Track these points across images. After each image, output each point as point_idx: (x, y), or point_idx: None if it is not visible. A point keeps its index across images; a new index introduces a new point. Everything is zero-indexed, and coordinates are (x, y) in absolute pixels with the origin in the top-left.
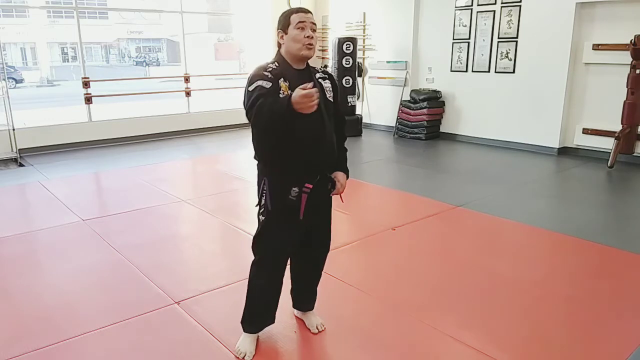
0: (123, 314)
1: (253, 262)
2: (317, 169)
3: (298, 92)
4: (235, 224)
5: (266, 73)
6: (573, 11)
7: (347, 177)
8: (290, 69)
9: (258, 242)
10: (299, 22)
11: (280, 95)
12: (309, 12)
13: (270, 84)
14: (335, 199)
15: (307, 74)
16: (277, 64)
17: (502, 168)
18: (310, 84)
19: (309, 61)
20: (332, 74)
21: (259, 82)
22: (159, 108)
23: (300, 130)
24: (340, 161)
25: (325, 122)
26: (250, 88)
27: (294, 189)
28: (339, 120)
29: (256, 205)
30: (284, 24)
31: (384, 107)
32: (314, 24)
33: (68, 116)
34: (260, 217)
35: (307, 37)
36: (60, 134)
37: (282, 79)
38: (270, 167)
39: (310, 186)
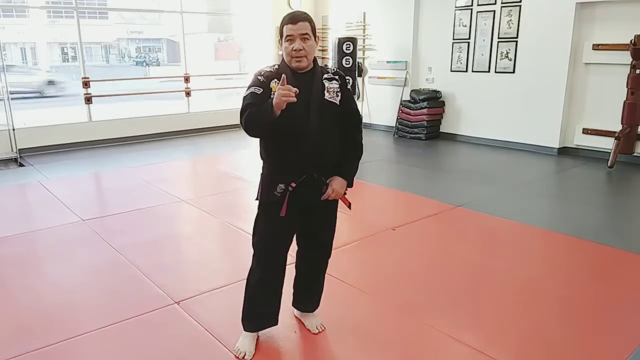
0: (123, 314)
1: (252, 258)
2: (302, 169)
3: (281, 96)
4: (235, 224)
5: (260, 77)
6: (573, 11)
7: (350, 185)
8: (289, 72)
9: (253, 237)
10: (287, 35)
11: (272, 96)
12: (301, 20)
13: (262, 90)
14: (342, 205)
15: (310, 77)
16: (276, 67)
17: (502, 168)
18: (284, 80)
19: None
20: (344, 75)
21: (252, 89)
22: (159, 108)
23: (282, 129)
24: (342, 166)
25: (312, 122)
26: (245, 94)
27: (280, 185)
28: (348, 123)
29: (255, 199)
30: (280, 33)
31: (384, 107)
32: (306, 33)
33: (68, 116)
34: (257, 210)
35: (294, 50)
36: (60, 134)
37: (274, 80)
38: (264, 162)
39: (294, 185)
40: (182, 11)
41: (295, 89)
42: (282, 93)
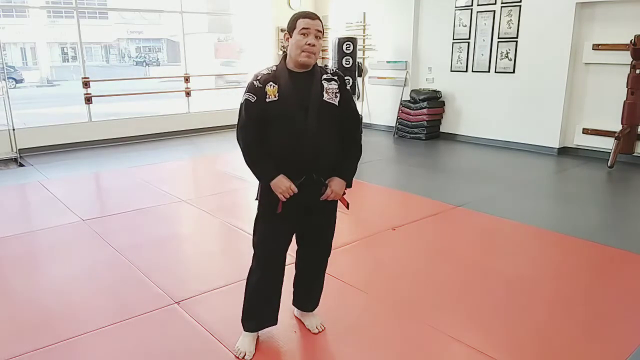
0: (123, 314)
1: (252, 258)
2: (301, 169)
3: (280, 188)
4: (235, 224)
5: (255, 82)
6: (573, 11)
7: (349, 186)
8: (287, 73)
9: (253, 237)
10: (303, 28)
11: (267, 100)
12: (317, 18)
13: (255, 97)
14: (341, 205)
15: (309, 78)
16: (274, 68)
17: (502, 168)
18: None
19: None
20: (343, 75)
21: (246, 96)
22: (159, 108)
23: (280, 130)
24: (341, 166)
25: (310, 123)
26: (241, 100)
27: None
28: (347, 124)
29: (255, 199)
30: (290, 26)
31: (384, 107)
32: (320, 31)
33: (68, 116)
34: (257, 210)
35: (308, 44)
36: (60, 134)
37: (270, 84)
38: None
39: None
40: (182, 11)
41: (292, 190)
42: (282, 192)
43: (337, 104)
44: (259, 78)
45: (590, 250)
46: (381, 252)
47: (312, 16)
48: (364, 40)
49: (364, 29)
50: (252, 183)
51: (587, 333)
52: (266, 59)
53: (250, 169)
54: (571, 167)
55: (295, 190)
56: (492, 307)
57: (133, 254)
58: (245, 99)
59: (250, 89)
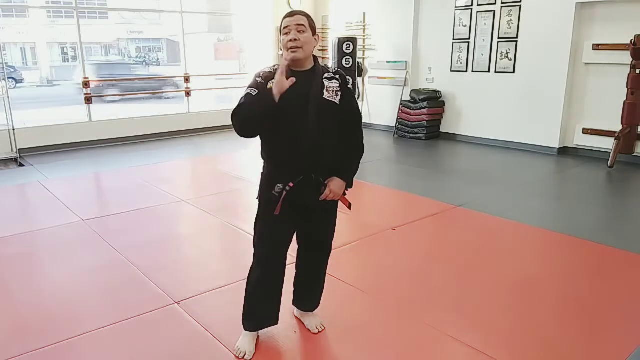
0: (123, 314)
1: (253, 257)
2: (300, 169)
3: (277, 85)
4: (236, 224)
5: (258, 79)
6: (573, 11)
7: (349, 186)
8: (288, 72)
9: (254, 236)
10: (284, 27)
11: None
12: (298, 14)
13: (257, 91)
14: (342, 205)
15: (310, 76)
16: (276, 67)
17: (502, 168)
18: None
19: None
20: (345, 74)
21: (248, 90)
22: (159, 108)
23: (279, 128)
24: (341, 167)
25: (310, 121)
26: (242, 95)
27: (278, 185)
28: (348, 123)
29: (256, 198)
30: (281, 31)
31: (384, 107)
32: (301, 24)
33: (68, 116)
34: (258, 210)
35: (289, 40)
36: (60, 134)
37: (271, 81)
38: (265, 162)
39: (292, 184)
40: (182, 11)
41: (292, 78)
42: (280, 83)
43: (337, 102)
44: (260, 75)
45: (590, 250)
46: (381, 252)
47: (292, 14)
48: (364, 40)
49: (364, 29)
50: (252, 183)
51: (587, 333)
52: (266, 59)
53: (253, 116)
54: (571, 167)
55: (289, 80)
56: (492, 307)
57: (133, 254)
58: (247, 93)
59: (253, 84)
